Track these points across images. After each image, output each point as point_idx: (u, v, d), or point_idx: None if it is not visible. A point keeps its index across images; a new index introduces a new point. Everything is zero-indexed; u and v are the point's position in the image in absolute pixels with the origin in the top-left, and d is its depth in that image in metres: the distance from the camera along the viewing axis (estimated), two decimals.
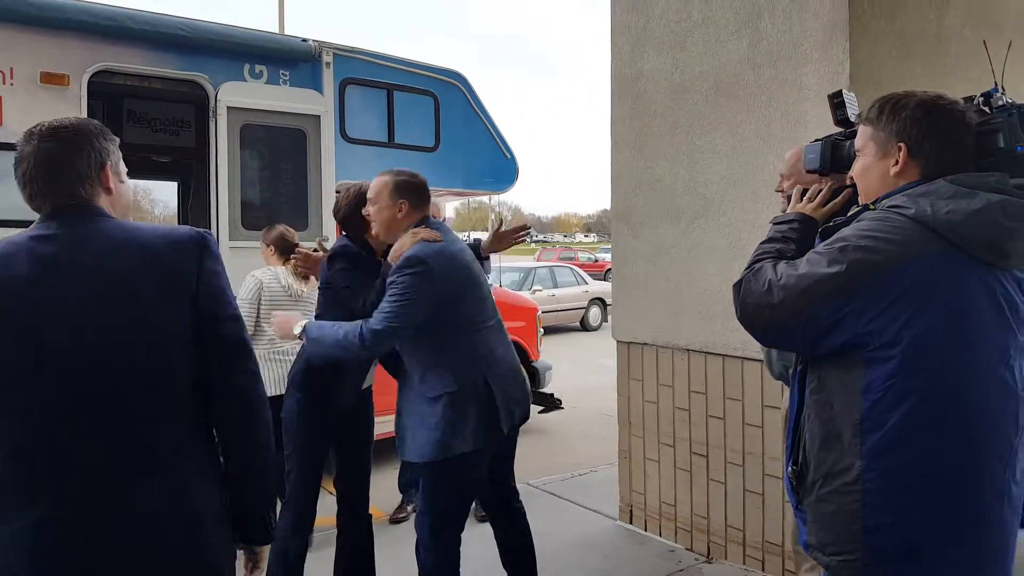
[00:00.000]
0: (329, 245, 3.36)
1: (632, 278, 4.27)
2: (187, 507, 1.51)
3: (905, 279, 1.50)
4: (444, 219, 4.49)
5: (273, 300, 4.02)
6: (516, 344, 6.43)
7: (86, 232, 1.52)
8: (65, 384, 1.44)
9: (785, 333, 1.66)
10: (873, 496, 1.53)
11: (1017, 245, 1.54)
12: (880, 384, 1.52)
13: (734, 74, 3.69)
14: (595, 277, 18.91)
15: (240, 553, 1.67)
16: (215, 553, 1.56)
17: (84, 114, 4.23)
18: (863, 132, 1.73)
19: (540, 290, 15.17)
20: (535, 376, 6.73)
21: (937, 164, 1.61)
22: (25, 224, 1.59)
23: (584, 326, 16.18)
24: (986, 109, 1.69)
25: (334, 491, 3.24)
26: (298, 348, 3.14)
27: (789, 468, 1.72)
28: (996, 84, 1.76)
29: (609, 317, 11.73)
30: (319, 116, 5.18)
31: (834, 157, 1.95)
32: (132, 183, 2.18)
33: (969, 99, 1.71)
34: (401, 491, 4.67)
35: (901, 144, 1.63)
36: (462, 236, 3.57)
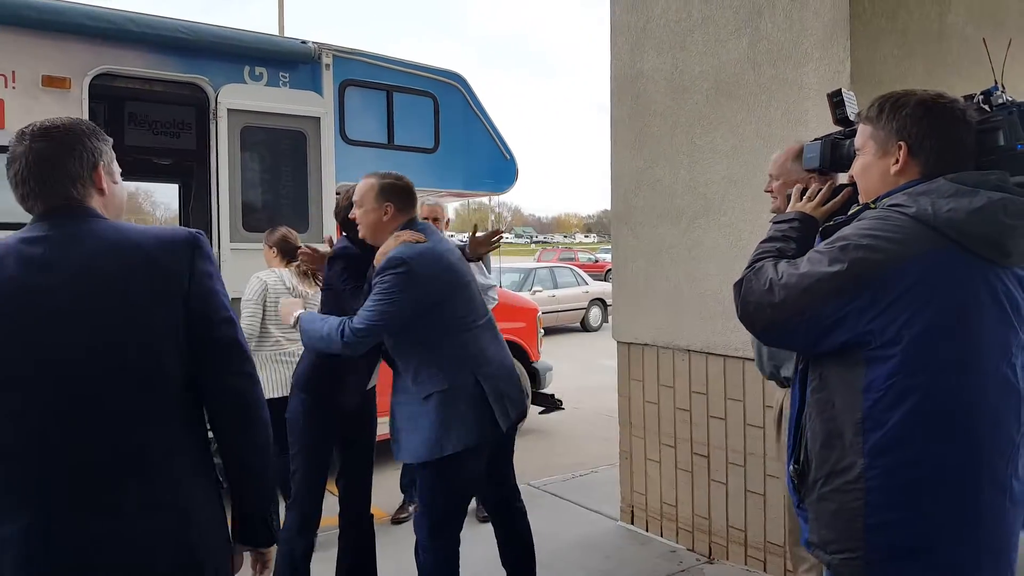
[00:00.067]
0: None
1: (632, 278, 4.27)
2: (180, 507, 1.50)
3: (906, 278, 1.51)
4: (448, 220, 4.50)
5: (278, 301, 4.03)
6: (516, 345, 6.51)
7: (78, 233, 1.51)
8: (57, 385, 1.43)
9: (786, 332, 1.66)
10: (875, 494, 1.53)
11: (1018, 243, 1.54)
12: (881, 383, 1.52)
13: (734, 74, 3.69)
14: (595, 277, 18.91)
15: (248, 555, 1.67)
16: (208, 553, 1.55)
17: (86, 117, 4.24)
18: (863, 131, 1.73)
19: (540, 291, 15.16)
20: (535, 377, 6.73)
21: (937, 162, 1.61)
22: (22, 227, 1.58)
23: (584, 327, 16.17)
24: (986, 107, 1.69)
25: (336, 491, 3.25)
26: (302, 350, 3.15)
27: (791, 467, 1.72)
28: (996, 82, 1.76)
29: (609, 318, 11.75)
30: (319, 118, 5.18)
31: (834, 156, 1.95)
32: (133, 185, 2.18)
33: (969, 97, 1.71)
34: (403, 491, 4.67)
35: (901, 143, 1.63)
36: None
